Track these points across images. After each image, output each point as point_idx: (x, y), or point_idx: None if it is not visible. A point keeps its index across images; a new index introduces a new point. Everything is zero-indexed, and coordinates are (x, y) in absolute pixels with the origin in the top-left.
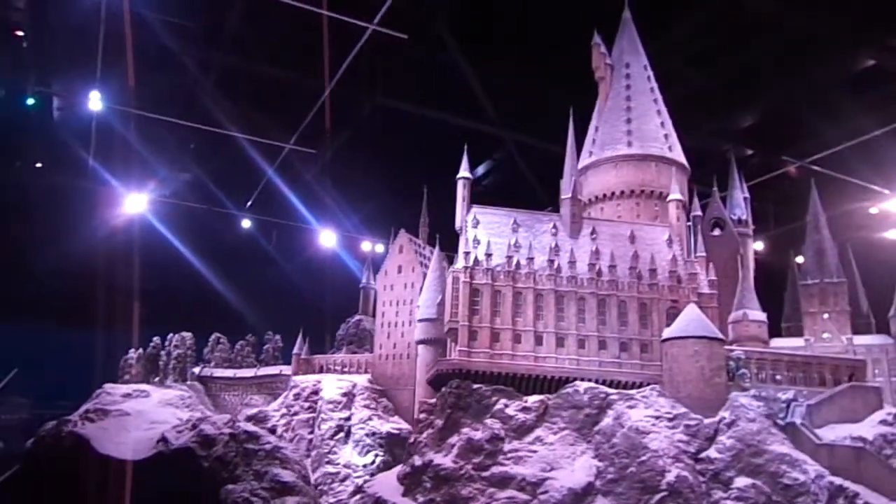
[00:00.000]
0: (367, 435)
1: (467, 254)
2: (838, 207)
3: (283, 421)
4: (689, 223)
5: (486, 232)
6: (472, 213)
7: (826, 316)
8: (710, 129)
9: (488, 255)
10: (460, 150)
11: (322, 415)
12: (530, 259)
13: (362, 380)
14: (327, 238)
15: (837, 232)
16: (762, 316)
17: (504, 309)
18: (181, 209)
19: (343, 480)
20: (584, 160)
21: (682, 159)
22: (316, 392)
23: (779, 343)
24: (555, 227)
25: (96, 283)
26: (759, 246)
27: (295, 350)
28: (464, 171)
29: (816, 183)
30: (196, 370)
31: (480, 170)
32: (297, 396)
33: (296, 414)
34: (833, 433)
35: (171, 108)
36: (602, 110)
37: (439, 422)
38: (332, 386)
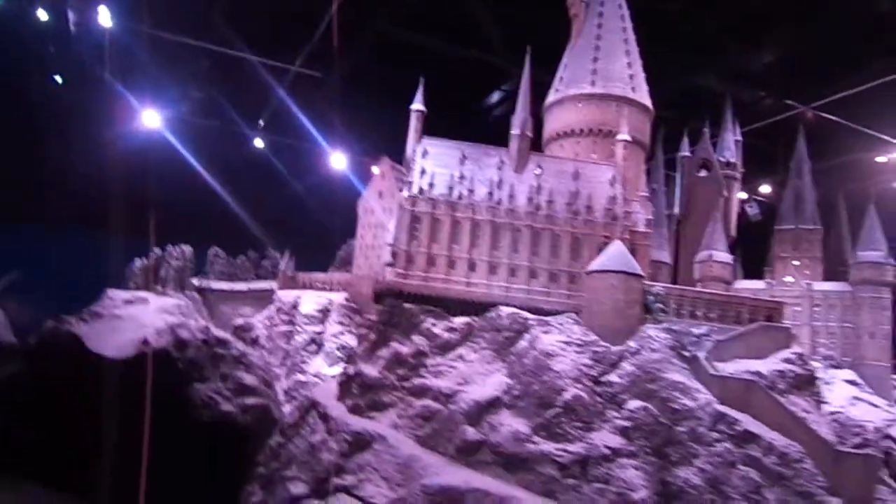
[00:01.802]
0: (337, 348)
1: (411, 183)
2: (843, 156)
3: (265, 332)
4: (655, 164)
5: (434, 163)
6: (422, 145)
7: (796, 262)
8: (714, 71)
9: (431, 185)
10: (465, 79)
11: (298, 327)
12: (471, 191)
13: (339, 297)
14: (337, 160)
15: (839, 181)
16: (728, 257)
17: (442, 236)
18: (195, 126)
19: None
20: (551, 97)
21: (646, 101)
22: (295, 306)
23: (742, 284)
24: (501, 161)
25: (109, 194)
26: (766, 189)
27: (281, 267)
28: (417, 104)
29: (821, 130)
30: (195, 281)
31: (494, 98)
32: (278, 310)
33: (276, 326)
34: (735, 367)
35: (183, 27)
36: (573, 48)
37: (373, 336)
38: (310, 302)
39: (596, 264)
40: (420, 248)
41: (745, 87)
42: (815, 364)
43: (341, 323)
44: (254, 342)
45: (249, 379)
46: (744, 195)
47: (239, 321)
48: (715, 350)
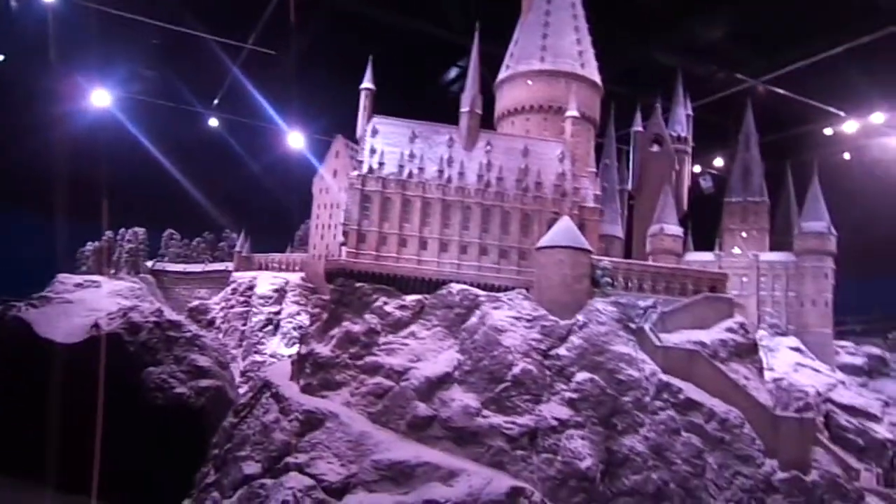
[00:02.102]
0: (294, 328)
1: (361, 162)
2: (792, 129)
3: (221, 313)
4: (607, 139)
5: (384, 141)
6: (372, 124)
7: (744, 234)
8: (666, 46)
9: (381, 164)
10: (422, 56)
11: (254, 308)
12: (421, 169)
13: (296, 277)
14: (295, 139)
15: (788, 154)
16: (678, 230)
17: (393, 215)
18: (147, 106)
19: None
20: (502, 74)
21: (595, 77)
22: (251, 287)
23: (692, 257)
24: (451, 139)
25: (58, 176)
26: (719, 162)
27: (237, 248)
28: (367, 83)
29: (772, 104)
30: (149, 263)
31: (451, 75)
32: (234, 291)
33: (232, 307)
34: (680, 337)
35: (131, 2)
36: (523, 24)
37: (325, 316)
38: (266, 282)
39: (544, 240)
40: (371, 226)
41: (698, 62)
42: (761, 332)
43: (298, 303)
44: (210, 324)
45: (203, 361)
46: (697, 168)
47: (194, 303)
48: (660, 321)
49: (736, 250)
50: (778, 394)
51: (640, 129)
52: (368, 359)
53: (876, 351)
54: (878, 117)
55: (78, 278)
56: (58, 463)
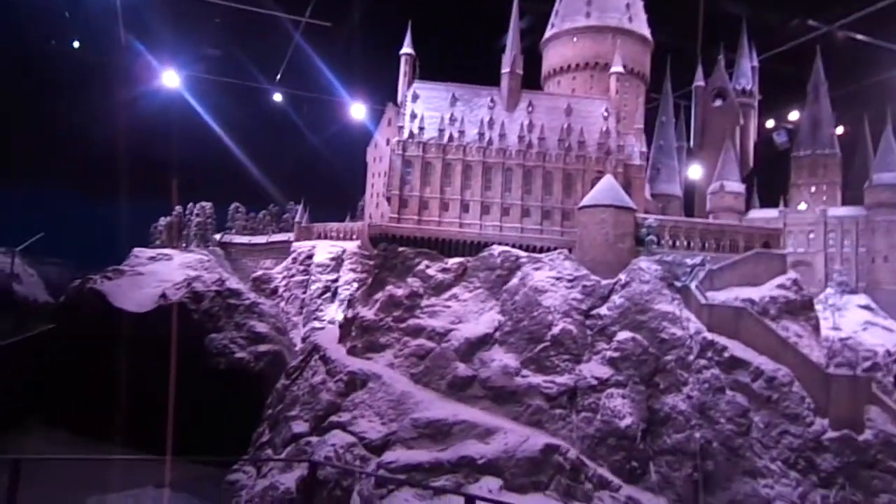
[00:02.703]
0: (350, 294)
1: (401, 128)
2: (869, 77)
3: (283, 282)
4: (663, 96)
5: (425, 106)
6: (413, 89)
7: (813, 188)
8: None
9: (421, 129)
10: (481, 19)
11: (312, 276)
12: (461, 132)
13: (352, 246)
14: (357, 110)
15: (864, 104)
16: (739, 187)
17: (434, 179)
18: (213, 85)
19: None
20: (548, 32)
21: (644, 31)
22: (310, 256)
23: (755, 214)
24: (492, 100)
25: (132, 157)
26: (795, 115)
27: (297, 218)
28: (406, 48)
29: (848, 51)
30: (217, 236)
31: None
32: (294, 260)
33: (293, 276)
34: (728, 295)
35: None
36: None
37: (370, 280)
38: (324, 251)
39: (586, 199)
40: (412, 191)
41: (766, 10)
42: (828, 290)
43: (353, 270)
44: (273, 292)
45: (262, 327)
46: (771, 123)
47: (258, 273)
48: (708, 279)
49: (802, 206)
50: (845, 352)
51: (701, 83)
52: (411, 321)
53: None
54: None
55: (151, 252)
56: (127, 424)
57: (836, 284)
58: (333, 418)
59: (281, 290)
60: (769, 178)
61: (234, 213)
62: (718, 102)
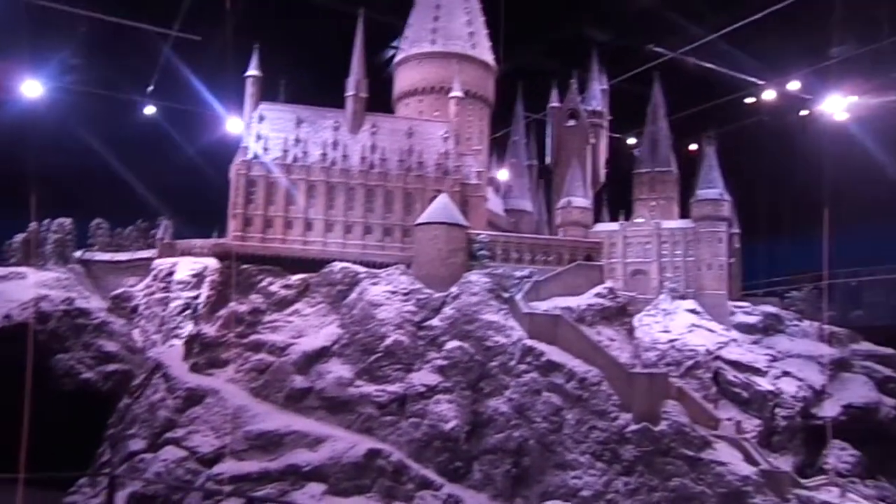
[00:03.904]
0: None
1: (245, 148)
2: (711, 99)
3: (144, 300)
4: (515, 117)
5: (270, 127)
6: (259, 110)
7: (653, 203)
8: (587, 21)
9: (266, 150)
10: (336, 47)
11: (172, 294)
12: (305, 153)
13: (215, 262)
14: (234, 125)
15: (705, 124)
16: (585, 202)
17: (278, 198)
18: (80, 95)
19: None
20: (397, 57)
21: (486, 57)
22: (171, 274)
23: (599, 227)
24: (337, 122)
25: None
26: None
27: (159, 235)
28: (252, 70)
29: (694, 75)
30: (78, 253)
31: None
32: (155, 277)
33: (153, 294)
34: (550, 304)
35: None
36: (416, 7)
37: (214, 297)
38: (185, 268)
39: (422, 217)
40: (256, 210)
41: (617, 38)
42: (661, 296)
43: (214, 287)
44: (133, 311)
45: (111, 346)
46: (633, 140)
47: (117, 291)
48: (534, 290)
49: (639, 219)
50: (672, 353)
51: (556, 104)
52: (253, 337)
53: (772, 310)
54: (794, 85)
55: (3, 270)
56: None
57: (668, 291)
58: (169, 434)
59: (141, 308)
60: (618, 193)
61: (95, 230)
62: (571, 122)
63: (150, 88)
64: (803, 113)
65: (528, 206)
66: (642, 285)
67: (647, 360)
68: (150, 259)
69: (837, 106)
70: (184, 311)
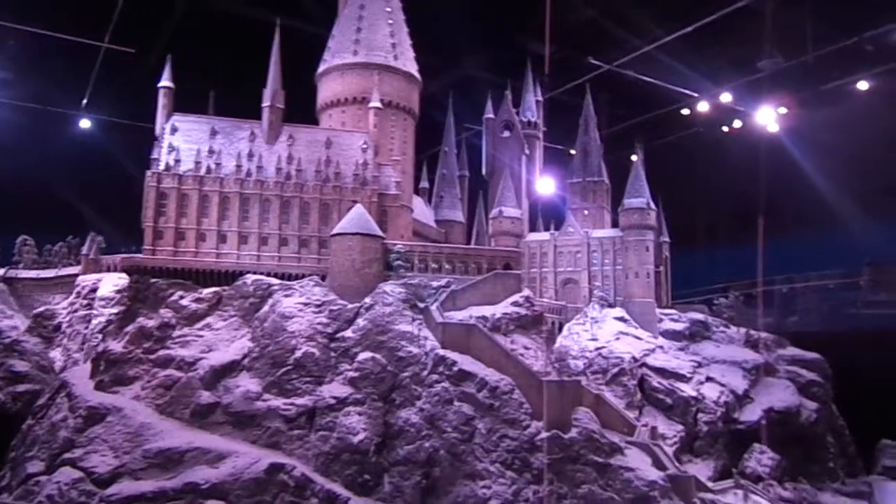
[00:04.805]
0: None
1: (156, 160)
2: (650, 111)
3: (67, 318)
4: (446, 128)
5: (183, 139)
6: (171, 121)
7: (585, 212)
8: (523, 33)
9: (177, 161)
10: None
11: (95, 311)
12: (219, 164)
13: None
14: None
15: (641, 135)
16: (517, 212)
17: (190, 211)
18: (10, 109)
19: None
20: (320, 67)
21: (410, 68)
22: (94, 290)
23: (531, 237)
24: (252, 133)
25: None
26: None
27: (84, 251)
28: (165, 81)
29: (630, 87)
30: (2, 271)
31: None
32: (78, 294)
33: (76, 311)
34: (467, 313)
35: None
36: (339, 19)
37: (121, 313)
38: (109, 284)
39: (336, 228)
40: (168, 223)
41: (558, 48)
42: (591, 304)
43: None
44: (56, 329)
45: (21, 366)
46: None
47: (40, 308)
48: (450, 300)
49: (570, 229)
50: (599, 361)
51: (491, 115)
52: (161, 352)
53: (699, 317)
54: (726, 97)
55: None
56: None
57: (598, 299)
58: (67, 455)
59: (64, 326)
60: (553, 203)
61: (21, 246)
62: (506, 134)
63: (85, 102)
64: (736, 125)
65: (459, 217)
66: (573, 294)
67: (574, 368)
68: (76, 276)
69: (769, 118)
70: (106, 327)
